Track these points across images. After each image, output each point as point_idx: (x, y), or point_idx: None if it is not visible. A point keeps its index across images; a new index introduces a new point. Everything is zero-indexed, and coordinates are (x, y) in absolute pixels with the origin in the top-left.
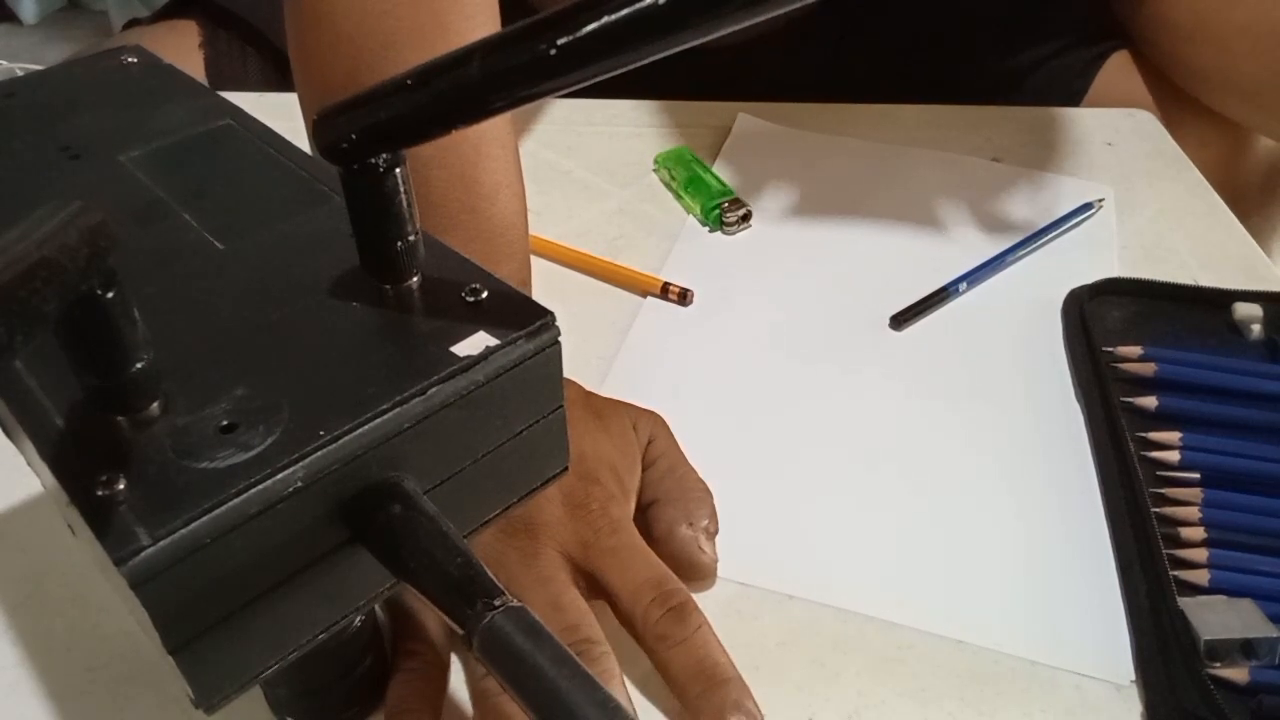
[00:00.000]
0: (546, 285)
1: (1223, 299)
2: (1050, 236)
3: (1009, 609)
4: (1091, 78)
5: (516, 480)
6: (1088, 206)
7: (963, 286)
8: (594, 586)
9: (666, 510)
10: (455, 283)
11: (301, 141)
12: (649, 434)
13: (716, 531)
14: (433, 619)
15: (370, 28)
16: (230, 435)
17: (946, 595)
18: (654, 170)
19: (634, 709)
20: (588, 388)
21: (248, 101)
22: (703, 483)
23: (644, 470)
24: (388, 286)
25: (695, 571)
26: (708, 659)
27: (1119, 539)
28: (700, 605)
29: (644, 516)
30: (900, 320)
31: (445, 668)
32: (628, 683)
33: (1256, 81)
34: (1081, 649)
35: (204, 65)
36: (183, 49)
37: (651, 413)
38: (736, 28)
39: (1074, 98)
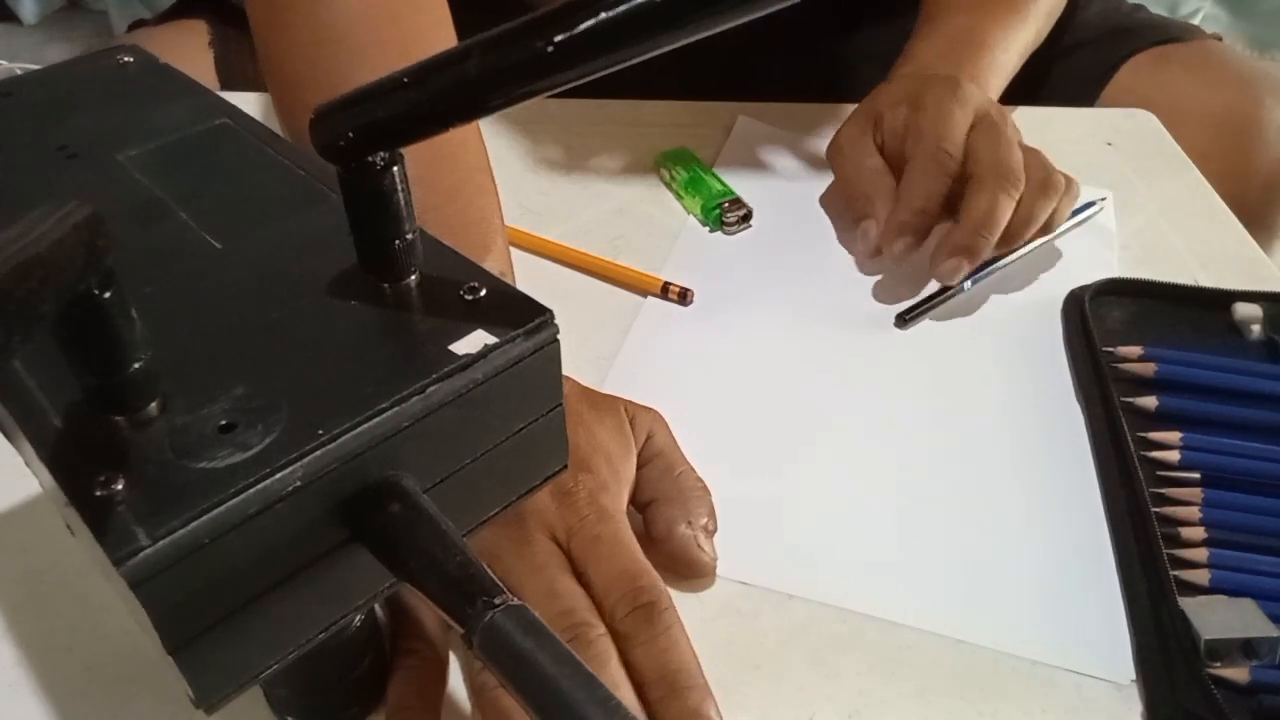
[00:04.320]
0: (547, 285)
1: (1223, 299)
2: (1050, 236)
3: (1009, 608)
4: (1105, 83)
5: (515, 478)
6: (1088, 206)
7: (967, 285)
8: (577, 573)
9: (665, 509)
10: (454, 281)
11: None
12: (647, 430)
13: (715, 530)
14: (430, 616)
15: (321, 28)
16: (229, 435)
17: (946, 595)
18: (654, 170)
19: (632, 692)
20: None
21: (251, 101)
22: (701, 481)
23: (642, 468)
24: (386, 285)
25: (694, 570)
26: (671, 664)
27: (1119, 539)
28: (700, 605)
29: (642, 515)
30: (905, 319)
31: (444, 664)
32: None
33: None
34: (1081, 649)
35: (214, 64)
36: (192, 48)
37: (650, 409)
38: (733, 24)
39: (1088, 103)
